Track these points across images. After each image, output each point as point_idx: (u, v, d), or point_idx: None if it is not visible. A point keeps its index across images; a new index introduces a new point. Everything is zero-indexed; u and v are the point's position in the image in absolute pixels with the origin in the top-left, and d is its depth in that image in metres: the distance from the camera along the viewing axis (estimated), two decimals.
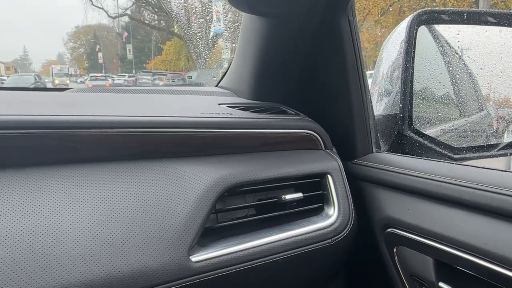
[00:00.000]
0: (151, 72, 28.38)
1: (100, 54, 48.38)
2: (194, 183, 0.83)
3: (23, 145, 0.72)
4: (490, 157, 1.31)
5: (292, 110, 1.16)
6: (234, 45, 1.31)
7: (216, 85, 1.48)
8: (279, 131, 1.04)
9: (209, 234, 0.83)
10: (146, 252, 0.72)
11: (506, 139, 1.45)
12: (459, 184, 0.84)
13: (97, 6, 36.22)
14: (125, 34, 44.40)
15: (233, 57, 1.36)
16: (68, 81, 31.66)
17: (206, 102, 1.20)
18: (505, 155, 1.31)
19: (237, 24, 1.25)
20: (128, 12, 37.97)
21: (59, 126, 0.75)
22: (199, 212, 0.80)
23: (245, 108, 1.10)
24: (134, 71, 36.51)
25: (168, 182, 0.81)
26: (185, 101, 1.22)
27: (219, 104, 1.12)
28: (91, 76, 30.57)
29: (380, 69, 1.43)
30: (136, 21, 40.01)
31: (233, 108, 1.10)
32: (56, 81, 30.95)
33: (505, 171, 0.84)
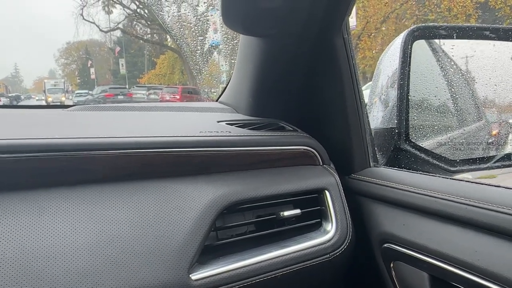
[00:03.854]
0: (145, 86, 28.52)
1: (92, 70, 48.62)
2: (194, 201, 0.87)
3: (26, 168, 0.76)
4: (487, 169, 1.35)
5: (290, 126, 1.21)
6: (233, 61, 1.37)
7: (217, 100, 1.54)
8: (277, 148, 1.08)
9: (209, 252, 0.87)
10: (146, 271, 0.75)
11: (502, 151, 1.50)
12: (453, 200, 0.88)
13: (88, 21, 36.54)
14: (118, 48, 44.72)
15: (232, 72, 1.42)
16: (63, 98, 31.41)
17: (205, 119, 1.25)
18: (500, 167, 1.36)
19: (236, 41, 1.32)
20: (120, 26, 38.31)
21: (60, 149, 0.79)
22: (198, 230, 0.83)
23: (243, 125, 1.15)
24: (127, 86, 36.65)
25: (167, 202, 0.84)
26: (184, 119, 1.26)
27: (218, 122, 1.17)
28: (76, 93, 31.95)
29: (378, 82, 1.48)
30: (128, 35, 40.32)
31: (232, 125, 1.15)
32: (50, 99, 30.60)
33: (498, 186, 0.88)
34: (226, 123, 1.16)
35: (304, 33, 1.11)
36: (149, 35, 40.34)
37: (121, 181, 0.84)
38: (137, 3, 33.62)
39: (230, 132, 1.07)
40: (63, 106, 1.27)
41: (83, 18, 35.97)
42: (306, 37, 1.12)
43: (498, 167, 1.36)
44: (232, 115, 1.33)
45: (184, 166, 0.93)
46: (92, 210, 0.77)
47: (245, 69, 1.29)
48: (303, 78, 1.22)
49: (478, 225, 0.82)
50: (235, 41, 1.34)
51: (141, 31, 40.16)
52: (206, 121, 1.21)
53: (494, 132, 1.67)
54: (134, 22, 38.50)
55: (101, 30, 38.23)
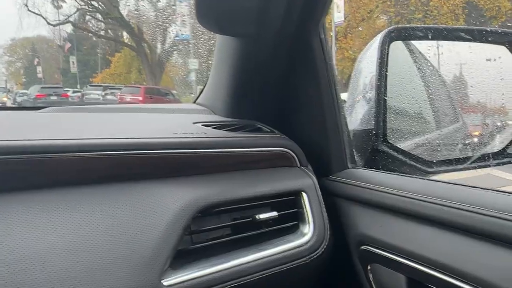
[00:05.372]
0: (101, 86, 27.62)
1: (39, 68, 47.25)
2: (167, 205, 0.90)
3: None
4: (463, 170, 1.46)
5: (267, 128, 1.28)
6: (210, 62, 1.43)
7: (194, 102, 1.59)
8: (253, 150, 1.14)
9: (183, 256, 0.90)
10: (115, 277, 0.78)
11: (478, 152, 1.62)
12: (429, 201, 0.95)
13: (34, 12, 35.38)
14: (68, 45, 43.68)
15: (202, 70, 1.47)
16: (5, 99, 30.48)
17: (181, 121, 1.30)
18: (476, 168, 1.47)
19: (212, 41, 1.38)
20: (71, 19, 37.39)
21: (26, 151, 0.82)
22: (171, 234, 0.87)
23: (220, 127, 1.21)
24: (79, 86, 35.80)
25: (139, 205, 0.88)
26: (159, 121, 1.31)
27: (194, 123, 1.22)
28: (19, 93, 31.17)
29: (359, 81, 1.57)
30: (80, 29, 39.41)
31: (208, 126, 1.20)
32: None
33: (474, 187, 0.95)
34: (202, 125, 1.21)
35: (280, 34, 1.18)
36: (104, 31, 39.64)
37: (90, 184, 0.87)
38: None
39: (205, 133, 1.13)
40: (35, 108, 1.29)
41: (28, 9, 34.85)
42: (283, 37, 1.20)
43: (474, 167, 1.47)
44: (209, 116, 1.39)
45: (157, 168, 0.97)
46: (60, 214, 0.79)
47: (222, 69, 1.35)
48: (280, 79, 1.29)
49: (454, 226, 0.89)
50: (212, 41, 1.40)
51: (94, 27, 39.39)
52: (181, 123, 1.26)
53: (470, 133, 1.80)
54: (87, 17, 37.73)
55: (48, 23, 37.11)
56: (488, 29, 1.52)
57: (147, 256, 0.83)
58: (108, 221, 0.83)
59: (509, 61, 1.48)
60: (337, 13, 15.30)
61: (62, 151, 0.85)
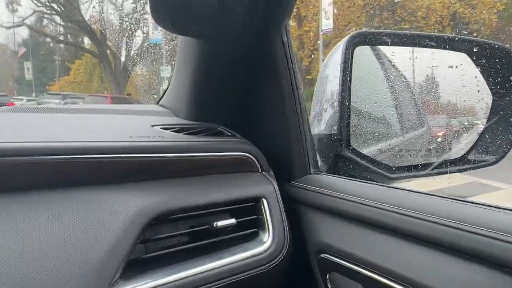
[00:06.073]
0: (60, 94, 26.85)
1: None
2: (118, 212, 0.89)
3: None
4: (424, 176, 1.51)
5: (229, 131, 1.29)
6: (173, 63, 1.43)
7: (157, 103, 1.59)
8: (213, 154, 1.14)
9: (136, 266, 0.89)
10: None
11: (439, 158, 1.68)
12: (389, 210, 0.97)
13: None
14: (23, 50, 42.59)
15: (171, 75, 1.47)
16: None
17: (139, 123, 1.28)
18: (437, 174, 1.52)
19: (175, 41, 1.38)
20: (27, 22, 36.44)
21: None
22: (122, 243, 0.86)
23: (179, 130, 1.20)
24: (34, 94, 34.91)
25: (87, 212, 0.86)
26: (116, 123, 1.29)
27: (152, 126, 1.21)
28: None
29: (327, 88, 1.60)
30: (37, 32, 38.47)
31: (167, 129, 1.19)
32: None
33: (433, 195, 0.97)
34: (161, 128, 1.21)
35: (242, 34, 1.20)
36: (63, 35, 38.86)
37: (33, 190, 0.84)
38: None
39: (163, 137, 1.12)
40: None
41: None
42: (244, 38, 1.21)
43: (435, 174, 1.52)
44: (170, 119, 1.38)
45: (108, 173, 0.96)
46: None
47: (184, 71, 1.35)
48: (242, 82, 1.30)
49: (414, 236, 0.90)
50: (175, 41, 1.40)
51: (52, 31, 38.51)
52: (139, 125, 1.24)
53: (433, 139, 1.86)
54: (45, 21, 36.93)
55: (1, 26, 36.09)
56: (448, 36, 1.58)
57: (94, 267, 0.81)
58: (52, 230, 0.80)
59: (470, 68, 1.54)
60: (325, 20, 14.45)
61: (3, 155, 0.82)
